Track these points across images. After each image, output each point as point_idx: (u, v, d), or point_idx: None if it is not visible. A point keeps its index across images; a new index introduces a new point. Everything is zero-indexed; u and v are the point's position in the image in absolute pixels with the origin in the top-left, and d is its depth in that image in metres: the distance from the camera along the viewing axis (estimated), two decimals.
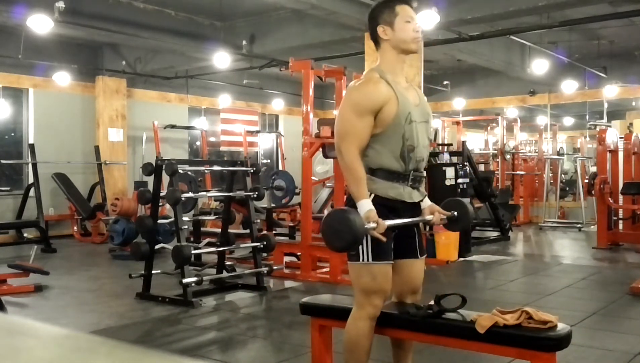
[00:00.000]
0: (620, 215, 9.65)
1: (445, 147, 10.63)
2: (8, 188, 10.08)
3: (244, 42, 9.45)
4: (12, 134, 10.77)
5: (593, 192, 9.16)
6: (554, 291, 6.17)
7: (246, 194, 6.34)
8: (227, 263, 6.79)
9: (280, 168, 13.08)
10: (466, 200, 8.14)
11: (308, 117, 6.73)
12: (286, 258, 7.34)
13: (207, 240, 7.38)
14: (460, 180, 8.27)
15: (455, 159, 9.13)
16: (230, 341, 4.50)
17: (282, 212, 10.50)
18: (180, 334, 4.76)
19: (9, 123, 10.65)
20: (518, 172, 13.60)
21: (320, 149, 6.89)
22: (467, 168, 8.75)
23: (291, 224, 8.92)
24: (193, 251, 5.83)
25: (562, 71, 12.07)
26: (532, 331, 2.59)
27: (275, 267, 6.45)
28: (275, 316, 5.38)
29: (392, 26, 2.78)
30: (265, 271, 6.24)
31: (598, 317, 5.06)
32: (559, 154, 14.29)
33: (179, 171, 5.88)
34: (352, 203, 2.74)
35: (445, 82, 13.96)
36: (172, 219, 5.90)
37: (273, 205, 9.88)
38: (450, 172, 8.18)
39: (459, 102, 14.13)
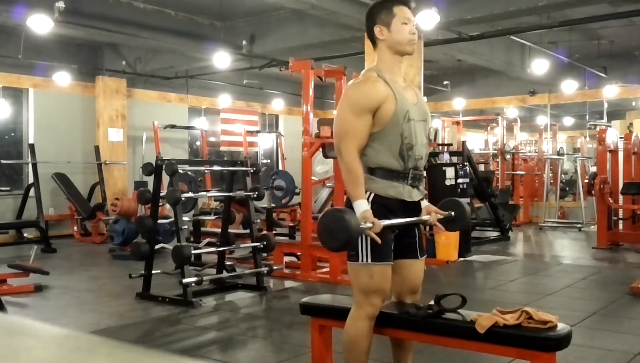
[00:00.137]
0: (620, 215, 9.65)
1: (445, 147, 10.62)
2: (8, 188, 10.07)
3: (244, 42, 9.45)
4: (12, 134, 10.77)
5: (593, 192, 9.16)
6: (554, 291, 6.17)
7: (246, 194, 6.34)
8: (227, 263, 6.79)
9: (280, 168, 13.08)
10: (466, 200, 8.19)
11: (308, 117, 6.73)
12: (286, 258, 7.34)
13: (207, 240, 7.38)
14: (460, 180, 8.27)
15: (455, 159, 9.13)
16: (230, 341, 4.50)
17: (282, 212, 10.50)
18: (180, 334, 4.76)
19: (9, 123, 10.65)
20: (518, 172, 13.60)
21: (320, 149, 6.89)
22: (467, 168, 8.75)
23: (291, 224, 8.92)
24: (193, 251, 5.83)
25: (562, 71, 12.07)
26: (532, 331, 2.59)
27: (275, 267, 6.45)
28: (275, 317, 5.38)
29: (389, 27, 2.79)
30: (265, 271, 6.24)
31: (598, 317, 5.06)
32: (559, 154, 14.29)
33: (179, 171, 5.88)
34: (350, 204, 2.75)
35: (445, 82, 13.96)
36: (172, 219, 5.90)
37: (273, 205, 9.88)
38: (450, 172, 8.18)
39: (459, 102, 14.13)
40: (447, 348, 3.44)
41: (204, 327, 4.96)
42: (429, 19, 6.94)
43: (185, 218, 6.29)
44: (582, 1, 7.59)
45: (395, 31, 2.78)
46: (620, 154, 9.63)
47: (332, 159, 7.39)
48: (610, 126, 11.28)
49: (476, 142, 17.51)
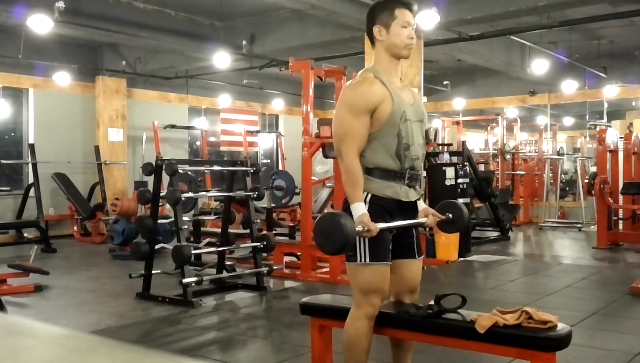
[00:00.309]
0: (620, 215, 9.65)
1: (445, 147, 10.62)
2: (8, 188, 10.07)
3: (244, 42, 9.45)
4: (12, 134, 10.77)
5: (593, 192, 9.16)
6: (554, 291, 6.17)
7: (246, 194, 6.34)
8: (227, 263, 6.79)
9: (280, 168, 13.08)
10: (466, 200, 8.20)
11: (308, 117, 6.73)
12: (286, 258, 7.34)
13: (207, 240, 7.38)
14: (460, 180, 8.27)
15: (455, 159, 9.13)
16: (230, 341, 4.50)
17: (282, 212, 10.50)
18: (180, 334, 4.76)
19: (9, 123, 10.65)
20: (518, 172, 13.60)
21: (320, 149, 6.89)
22: (467, 168, 8.75)
23: (291, 224, 8.92)
24: (193, 251, 5.83)
25: (562, 71, 12.07)
26: (532, 331, 2.59)
27: (275, 267, 6.45)
28: (275, 317, 5.38)
29: (388, 29, 2.79)
30: (265, 271, 6.24)
31: (598, 317, 5.06)
32: (559, 154, 14.29)
33: (179, 171, 5.88)
34: (347, 205, 2.76)
35: (445, 82, 13.96)
36: (172, 219, 5.90)
37: (273, 205, 9.88)
38: (450, 172, 8.18)
39: (459, 102, 14.13)
40: (447, 348, 3.44)
41: (204, 327, 4.96)
42: (429, 19, 6.94)
43: (185, 218, 6.28)
44: (582, 1, 7.59)
45: (394, 34, 2.78)
46: (620, 154, 9.63)
47: (332, 159, 7.39)
48: (610, 126, 11.28)
49: (476, 142, 17.51)
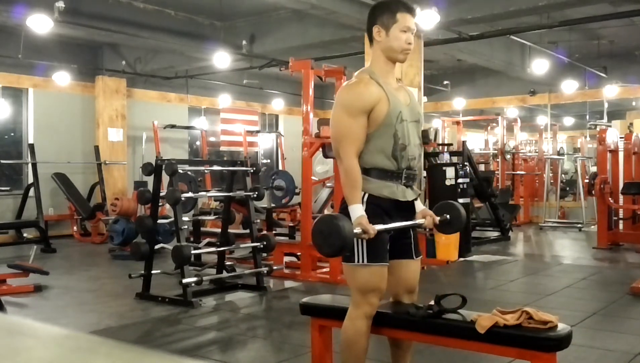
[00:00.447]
0: (621, 215, 9.64)
1: (445, 147, 10.62)
2: (8, 188, 10.07)
3: (244, 42, 9.45)
4: (12, 134, 10.77)
5: (593, 192, 9.15)
6: (554, 291, 6.17)
7: (246, 194, 6.34)
8: (227, 263, 6.79)
9: (280, 168, 13.08)
10: (465, 200, 8.19)
11: (308, 117, 6.73)
12: (286, 258, 7.33)
13: (207, 240, 7.37)
14: (460, 180, 8.27)
15: (455, 159, 9.12)
16: (230, 341, 4.50)
17: (282, 212, 10.50)
18: (180, 334, 4.76)
19: (9, 123, 10.65)
20: (518, 172, 13.59)
21: (320, 149, 6.88)
22: (467, 168, 8.75)
23: (291, 225, 8.92)
24: (193, 251, 5.83)
25: (562, 71, 12.07)
26: (533, 331, 2.59)
27: (275, 267, 6.44)
28: (275, 316, 5.38)
29: (388, 31, 2.79)
30: (265, 271, 6.23)
31: (598, 317, 5.05)
32: (559, 154, 14.29)
33: (179, 171, 5.88)
34: (345, 205, 2.76)
35: (445, 82, 13.96)
36: (172, 219, 5.90)
37: (273, 205, 9.87)
38: (450, 172, 8.18)
39: (459, 102, 14.13)
40: (447, 348, 3.44)
41: (204, 327, 4.95)
42: (429, 19, 6.94)
43: (185, 218, 6.28)
44: (582, 1, 7.58)
45: (393, 37, 2.78)
46: (621, 154, 9.63)
47: (332, 159, 7.38)
48: (610, 126, 11.27)
49: (476, 142, 17.51)
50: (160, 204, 6.41)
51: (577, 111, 16.47)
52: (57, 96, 10.70)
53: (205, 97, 13.14)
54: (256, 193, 6.37)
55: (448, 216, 2.99)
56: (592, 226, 10.74)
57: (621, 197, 9.41)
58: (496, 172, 13.30)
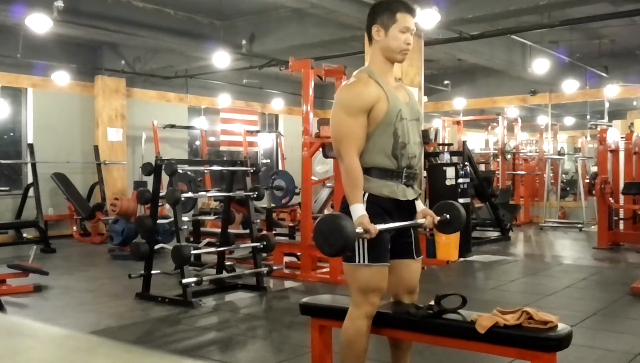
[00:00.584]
0: (621, 215, 9.64)
1: (446, 147, 10.62)
2: (7, 188, 10.07)
3: (244, 42, 9.45)
4: (11, 134, 10.77)
5: (594, 192, 9.15)
6: (554, 291, 6.17)
7: (246, 194, 6.34)
8: (227, 263, 6.79)
9: (280, 168, 13.08)
10: (465, 200, 8.18)
11: (308, 117, 6.73)
12: (286, 258, 7.33)
13: (207, 240, 7.37)
14: (460, 180, 8.27)
15: (455, 159, 9.12)
16: (230, 341, 4.49)
17: (282, 212, 10.50)
18: (180, 334, 4.76)
19: (8, 123, 10.65)
20: (519, 172, 13.60)
21: (320, 149, 6.88)
22: (468, 168, 8.75)
23: (291, 225, 8.92)
24: (193, 251, 5.82)
25: (563, 71, 12.07)
26: (533, 331, 2.58)
27: (275, 267, 6.44)
28: (275, 317, 5.38)
29: (387, 31, 2.78)
30: (265, 272, 6.23)
31: (598, 317, 5.05)
32: (559, 154, 14.29)
33: (179, 171, 5.88)
34: (346, 205, 2.76)
35: (445, 82, 13.96)
36: (172, 219, 5.89)
37: (273, 205, 9.87)
38: (450, 172, 8.18)
39: (459, 102, 14.13)
40: (447, 348, 3.44)
41: (204, 327, 4.95)
42: (429, 18, 6.94)
43: (185, 218, 6.28)
44: (583, 0, 7.58)
45: (392, 37, 2.78)
46: (621, 154, 9.63)
47: (332, 159, 7.38)
48: (611, 126, 11.27)
49: (477, 142, 17.52)
50: (160, 204, 6.41)
51: (578, 111, 16.47)
52: (57, 95, 10.70)
53: (205, 97, 13.14)
54: (256, 193, 6.37)
55: (448, 216, 2.99)
56: (593, 226, 10.74)
57: (622, 197, 9.41)
58: (496, 172, 13.30)
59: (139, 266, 6.10)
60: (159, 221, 6.25)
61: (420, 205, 2.94)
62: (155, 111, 11.98)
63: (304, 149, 6.74)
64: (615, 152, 9.50)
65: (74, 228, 10.40)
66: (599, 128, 10.82)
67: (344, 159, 2.74)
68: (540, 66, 10.82)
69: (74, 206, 10.16)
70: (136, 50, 10.81)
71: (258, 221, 7.74)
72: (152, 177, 5.98)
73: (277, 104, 14.36)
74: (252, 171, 6.38)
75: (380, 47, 2.81)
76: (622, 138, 9.70)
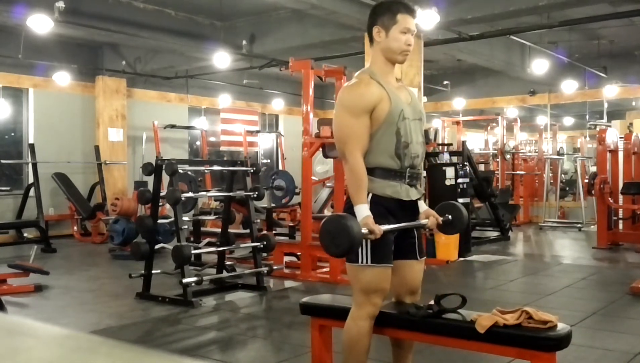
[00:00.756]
0: (620, 215, 9.64)
1: (445, 147, 10.62)
2: (8, 188, 10.07)
3: (244, 42, 9.45)
4: (12, 134, 10.77)
5: (593, 192, 9.15)
6: (554, 291, 6.17)
7: (246, 194, 6.34)
8: (227, 263, 6.79)
9: (280, 168, 13.08)
10: (465, 200, 8.19)
11: (308, 117, 6.73)
12: (286, 258, 7.34)
13: (207, 239, 7.37)
14: (460, 180, 8.27)
15: (455, 159, 9.13)
16: (230, 341, 4.50)
17: (282, 212, 10.49)
18: (180, 334, 4.76)
19: (9, 123, 10.65)
20: (518, 172, 13.59)
21: (320, 149, 6.88)
22: (467, 168, 8.75)
23: (291, 224, 8.92)
24: (193, 251, 5.83)
25: (562, 71, 12.07)
26: (532, 331, 2.59)
27: (275, 267, 6.44)
28: (275, 317, 5.38)
29: (387, 32, 2.79)
30: (265, 271, 6.24)
31: (598, 317, 5.06)
32: (559, 154, 14.29)
33: (179, 171, 5.88)
34: (350, 205, 2.76)
35: (445, 82, 13.96)
36: (172, 219, 5.90)
37: (273, 205, 9.87)
38: (450, 172, 8.18)
39: (459, 102, 14.13)
40: (447, 348, 3.44)
41: (204, 327, 4.96)
42: (429, 19, 6.94)
43: (185, 218, 6.28)
44: (582, 1, 7.58)
45: (392, 38, 2.78)
46: (620, 154, 9.63)
47: (332, 159, 7.38)
48: (610, 126, 11.28)
49: (476, 142, 17.51)
50: (160, 204, 6.41)
51: (577, 111, 16.46)
52: (57, 96, 10.70)
53: (205, 97, 13.14)
54: (256, 193, 6.37)
55: (450, 216, 2.99)
56: (592, 226, 10.74)
57: (621, 197, 9.41)
58: (496, 172, 13.29)
59: (139, 266, 6.10)
60: (159, 221, 6.26)
61: (423, 205, 2.95)
62: (155, 111, 11.98)
63: (304, 149, 6.74)
64: (614, 152, 9.51)
65: (75, 227, 10.41)
66: (598, 128, 10.83)
67: (348, 160, 2.74)
68: (540, 66, 10.82)
69: (75, 206, 10.16)
70: (137, 50, 10.81)
71: (258, 221, 7.75)
72: (152, 177, 5.99)
73: (277, 104, 14.36)
74: (252, 171, 6.39)
75: (381, 48, 2.82)
76: (621, 138, 9.70)
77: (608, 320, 5.04)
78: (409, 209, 2.87)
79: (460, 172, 8.35)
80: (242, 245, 6.90)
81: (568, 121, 18.18)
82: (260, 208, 9.33)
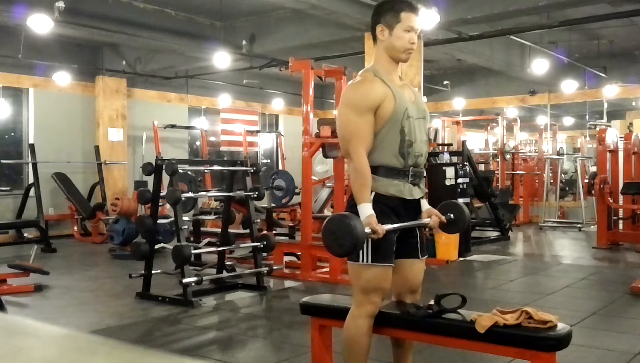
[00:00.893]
0: (620, 215, 9.64)
1: (445, 147, 10.62)
2: (8, 188, 10.08)
3: (244, 42, 9.45)
4: (12, 134, 10.77)
5: (593, 192, 9.16)
6: (553, 291, 6.17)
7: (246, 194, 6.34)
8: (227, 263, 6.79)
9: (280, 168, 13.08)
10: (465, 200, 8.19)
11: (308, 117, 6.73)
12: (286, 258, 7.34)
13: (207, 239, 7.37)
14: (460, 180, 8.27)
15: (455, 159, 9.13)
16: (230, 341, 4.50)
17: (282, 212, 10.50)
18: (180, 334, 4.76)
19: (9, 123, 10.65)
20: (518, 172, 13.60)
21: (320, 149, 6.88)
22: (467, 168, 8.75)
23: (291, 224, 8.92)
24: (193, 251, 5.83)
25: (562, 71, 12.07)
26: (532, 331, 2.59)
27: (275, 267, 6.44)
28: (275, 316, 5.38)
29: (391, 30, 2.78)
30: (265, 271, 6.24)
31: (598, 317, 5.06)
32: (558, 154, 14.29)
33: (179, 170, 5.88)
34: (352, 203, 2.75)
35: (445, 82, 13.97)
36: (172, 219, 5.90)
37: (273, 205, 9.87)
38: (450, 172, 8.18)
39: (459, 102, 14.13)
40: (447, 348, 3.45)
41: (204, 326, 4.96)
42: (429, 19, 6.94)
43: (185, 218, 6.28)
44: (582, 1, 7.59)
45: (396, 36, 2.78)
46: (620, 154, 9.63)
47: (332, 159, 7.38)
48: (610, 126, 11.29)
49: (476, 142, 17.52)
50: (160, 204, 6.41)
51: (577, 111, 16.48)
52: (57, 96, 10.70)
53: (205, 97, 13.15)
54: (256, 193, 6.37)
55: (452, 215, 2.99)
56: (592, 226, 10.74)
57: (621, 197, 9.41)
58: (496, 172, 13.29)
59: (139, 265, 6.11)
60: (159, 220, 6.26)
61: (425, 204, 2.94)
62: (155, 111, 11.98)
63: (304, 149, 6.74)
64: (614, 152, 9.51)
65: (75, 227, 10.41)
66: (598, 128, 10.83)
67: (352, 158, 2.73)
68: (540, 66, 10.83)
69: (75, 206, 10.16)
70: (137, 50, 10.81)
71: (258, 221, 7.75)
72: (152, 177, 5.99)
73: (277, 104, 14.36)
74: (252, 171, 6.39)
75: (385, 46, 2.81)
76: (621, 137, 9.70)
77: (608, 319, 5.04)
78: (412, 208, 2.86)
79: (460, 172, 8.35)
80: (242, 245, 6.90)
81: (568, 121, 18.19)
82: (260, 208, 9.33)
